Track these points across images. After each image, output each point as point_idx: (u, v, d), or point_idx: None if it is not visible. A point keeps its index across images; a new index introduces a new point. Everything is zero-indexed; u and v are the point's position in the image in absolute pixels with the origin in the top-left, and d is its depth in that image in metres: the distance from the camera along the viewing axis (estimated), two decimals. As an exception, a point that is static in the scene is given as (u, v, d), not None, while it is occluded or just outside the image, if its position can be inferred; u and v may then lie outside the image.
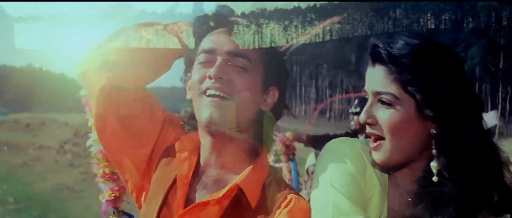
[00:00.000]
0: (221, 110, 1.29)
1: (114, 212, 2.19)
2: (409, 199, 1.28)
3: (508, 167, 1.27)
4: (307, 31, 1.47)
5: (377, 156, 1.26)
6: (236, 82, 1.30)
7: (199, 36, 1.36)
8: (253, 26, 1.37)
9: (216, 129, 1.31)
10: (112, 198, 2.22)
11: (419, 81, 1.20)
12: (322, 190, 1.24)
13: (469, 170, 1.21)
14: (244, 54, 1.32)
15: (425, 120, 1.22)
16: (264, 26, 1.39)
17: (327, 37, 1.50)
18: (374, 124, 1.25)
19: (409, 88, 1.20)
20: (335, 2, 1.57)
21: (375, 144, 1.26)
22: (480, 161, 1.22)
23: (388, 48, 1.23)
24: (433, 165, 1.23)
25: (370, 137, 1.29)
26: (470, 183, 1.21)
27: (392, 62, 1.22)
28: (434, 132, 1.23)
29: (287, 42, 1.38)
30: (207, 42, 1.33)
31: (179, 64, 1.49)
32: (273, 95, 1.38)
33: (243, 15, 1.48)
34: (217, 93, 1.28)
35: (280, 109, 1.40)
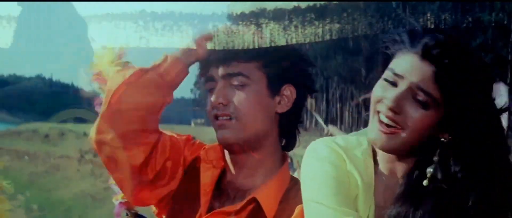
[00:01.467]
0: (230, 129, 1.34)
1: (127, 214, 2.16)
2: (394, 195, 1.25)
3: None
4: (306, 31, 1.44)
5: (389, 141, 1.21)
6: (236, 102, 1.33)
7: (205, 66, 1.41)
8: (252, 26, 1.35)
9: (231, 147, 1.37)
10: (125, 200, 2.17)
11: (456, 89, 1.16)
12: (309, 201, 1.24)
13: (467, 184, 1.18)
14: (238, 72, 1.34)
15: (442, 129, 1.19)
16: (263, 26, 1.37)
17: (327, 37, 1.47)
18: (398, 113, 1.18)
19: (447, 93, 1.16)
20: (335, 2, 1.54)
21: (391, 132, 1.20)
22: (492, 174, 1.17)
23: (444, 50, 1.16)
24: (429, 170, 1.20)
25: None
26: (465, 196, 1.17)
27: (442, 65, 1.16)
28: (445, 140, 1.20)
29: (286, 42, 1.35)
30: (208, 71, 1.38)
31: (189, 75, 1.49)
32: (289, 93, 1.38)
33: (242, 15, 1.46)
34: (222, 117, 1.34)
35: (305, 99, 1.43)
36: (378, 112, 1.22)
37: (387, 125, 1.20)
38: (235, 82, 1.34)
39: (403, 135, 1.19)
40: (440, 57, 1.15)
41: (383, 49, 1.26)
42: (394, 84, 1.19)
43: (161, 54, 1.42)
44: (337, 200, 1.20)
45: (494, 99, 1.22)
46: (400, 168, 1.27)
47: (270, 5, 1.46)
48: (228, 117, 1.34)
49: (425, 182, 1.20)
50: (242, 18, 1.42)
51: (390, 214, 1.23)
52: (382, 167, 1.29)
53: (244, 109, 1.33)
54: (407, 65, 1.19)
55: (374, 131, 1.23)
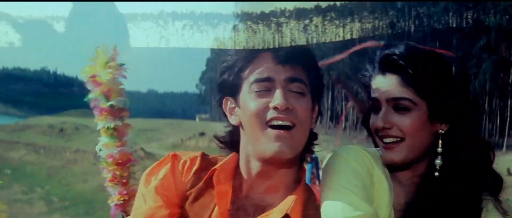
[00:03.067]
0: (288, 142, 1.20)
1: (122, 216, 2.12)
2: (411, 191, 1.31)
3: (494, 157, 1.34)
4: (327, 30, 1.39)
5: (395, 155, 1.28)
6: (298, 109, 1.20)
7: (246, 61, 1.24)
8: (273, 25, 1.31)
9: (283, 160, 1.23)
10: (121, 202, 2.08)
11: (431, 88, 1.24)
12: (330, 190, 1.24)
13: (469, 163, 1.27)
14: (300, 78, 1.22)
15: (436, 121, 1.26)
16: (284, 25, 1.35)
17: (348, 36, 1.44)
18: (390, 128, 1.27)
19: (422, 93, 1.24)
20: (355, 1, 1.49)
21: (393, 145, 1.28)
22: (478, 155, 1.28)
23: (402, 57, 1.25)
24: (437, 162, 1.27)
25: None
26: (470, 174, 1.27)
27: (406, 70, 1.24)
28: (442, 131, 1.27)
29: (307, 41, 1.31)
30: (259, 71, 1.21)
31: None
32: (316, 112, 1.30)
33: (262, 14, 1.41)
34: (285, 123, 1.19)
35: (316, 121, 1.32)
36: (380, 138, 1.30)
37: (390, 142, 1.27)
38: (296, 89, 1.22)
39: (406, 142, 1.26)
40: (396, 64, 1.25)
41: (363, 87, 1.34)
42: (378, 108, 1.27)
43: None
44: (359, 194, 1.21)
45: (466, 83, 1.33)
46: (414, 169, 1.31)
47: (290, 5, 1.40)
48: (289, 126, 1.20)
49: (436, 174, 1.27)
50: (262, 17, 1.36)
51: (408, 209, 1.29)
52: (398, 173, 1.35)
53: (303, 118, 1.22)
54: (377, 87, 1.28)
55: (384, 153, 1.30)
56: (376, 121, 1.27)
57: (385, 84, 1.27)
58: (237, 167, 1.30)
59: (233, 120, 1.27)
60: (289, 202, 1.24)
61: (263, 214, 1.24)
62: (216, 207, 1.26)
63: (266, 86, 1.20)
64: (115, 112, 1.97)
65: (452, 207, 1.26)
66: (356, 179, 1.24)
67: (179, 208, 1.28)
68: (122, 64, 1.91)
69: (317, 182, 5.24)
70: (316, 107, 1.28)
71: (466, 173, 1.27)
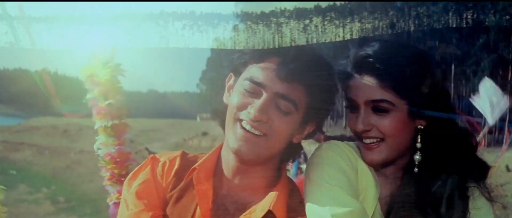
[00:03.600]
0: (250, 145, 1.17)
1: None
2: (395, 185, 1.30)
3: (476, 143, 1.33)
4: (327, 30, 1.37)
5: (375, 155, 1.26)
6: (275, 123, 1.18)
7: (251, 58, 1.21)
8: (273, 25, 1.33)
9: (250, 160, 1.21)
10: (119, 200, 2.11)
11: (408, 86, 1.21)
12: (316, 186, 1.22)
13: (448, 156, 1.26)
14: (292, 99, 1.18)
15: (415, 118, 1.24)
16: (284, 25, 1.33)
17: (348, 36, 1.43)
18: (370, 130, 1.24)
19: (400, 93, 1.20)
20: (355, 1, 1.47)
21: (374, 145, 1.25)
22: (457, 145, 1.28)
23: (378, 59, 1.21)
24: (416, 157, 1.26)
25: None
26: (450, 165, 1.27)
27: (384, 71, 1.21)
28: (421, 127, 1.25)
29: (307, 41, 1.34)
30: (258, 72, 1.19)
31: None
32: (308, 130, 1.26)
33: (262, 14, 1.39)
34: (252, 130, 1.17)
35: (311, 136, 1.29)
36: (360, 139, 1.28)
37: (370, 143, 1.25)
38: (282, 106, 1.19)
39: (386, 142, 1.24)
40: (372, 65, 1.20)
41: (340, 84, 1.28)
42: (355, 109, 1.24)
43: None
44: (346, 190, 1.20)
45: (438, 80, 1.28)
46: (397, 163, 1.29)
47: (290, 5, 1.38)
48: (256, 134, 1.18)
49: (415, 169, 1.26)
50: (262, 17, 1.34)
51: (392, 202, 1.27)
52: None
53: (276, 133, 1.21)
54: (354, 88, 1.24)
55: (364, 153, 1.27)
56: (355, 123, 1.24)
57: (362, 85, 1.23)
58: (217, 165, 1.28)
59: (225, 98, 1.25)
60: (271, 198, 1.22)
61: (246, 212, 1.21)
62: (198, 207, 1.23)
63: (255, 90, 1.17)
64: (113, 111, 1.98)
65: (435, 198, 1.26)
66: (341, 174, 1.23)
67: (161, 211, 1.25)
68: (119, 64, 1.91)
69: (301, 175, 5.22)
70: (309, 127, 1.25)
71: (446, 165, 1.27)
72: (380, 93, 1.21)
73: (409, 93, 1.21)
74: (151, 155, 1.36)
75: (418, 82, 1.22)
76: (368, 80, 1.22)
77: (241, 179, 1.24)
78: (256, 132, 1.16)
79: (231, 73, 1.26)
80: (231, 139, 1.18)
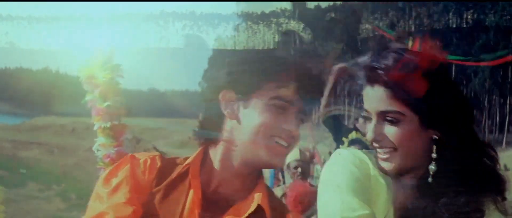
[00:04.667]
0: (282, 158, 1.27)
1: None
2: (411, 194, 1.27)
3: (497, 159, 1.28)
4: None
5: (388, 165, 1.25)
6: (296, 133, 1.29)
7: (270, 73, 1.26)
8: (273, 25, 1.30)
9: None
10: None
11: (421, 98, 1.19)
12: (329, 191, 1.23)
13: (465, 168, 1.23)
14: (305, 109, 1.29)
15: (427, 128, 1.21)
16: (284, 25, 1.30)
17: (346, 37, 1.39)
18: (382, 140, 1.23)
19: (411, 105, 1.19)
20: (355, 1, 1.45)
21: (386, 155, 1.24)
22: (473, 158, 1.24)
23: (389, 71, 1.20)
24: (431, 168, 1.23)
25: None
26: (466, 177, 1.22)
27: (392, 82, 1.20)
28: (436, 137, 1.22)
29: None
30: (285, 92, 1.25)
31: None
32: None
33: (262, 14, 1.35)
34: (285, 144, 1.26)
35: None
36: (375, 148, 1.27)
37: (383, 152, 1.24)
38: (300, 117, 1.31)
39: (398, 152, 1.22)
40: (383, 77, 1.20)
41: (354, 85, 1.30)
42: (369, 119, 1.24)
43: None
44: (358, 195, 1.20)
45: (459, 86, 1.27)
46: (414, 171, 1.26)
47: (291, 5, 1.35)
48: (286, 146, 1.28)
49: (429, 179, 1.22)
50: (262, 17, 1.31)
51: (406, 210, 1.24)
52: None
53: (296, 141, 1.31)
54: (367, 98, 1.24)
55: (378, 162, 1.26)
56: (368, 132, 1.25)
57: (373, 96, 1.23)
58: (202, 164, 1.30)
59: (230, 113, 1.27)
60: (258, 197, 1.27)
61: (235, 206, 1.25)
62: (188, 202, 1.25)
63: (284, 106, 1.24)
64: (112, 112, 1.97)
65: (449, 211, 1.22)
66: (355, 182, 1.23)
67: (141, 207, 1.25)
68: (118, 65, 1.91)
69: (281, 179, 5.15)
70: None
71: (463, 177, 1.22)
72: (390, 104, 1.20)
73: (419, 105, 1.19)
74: (130, 154, 1.37)
75: (430, 94, 1.19)
76: (379, 90, 1.22)
77: (233, 178, 1.29)
78: (286, 145, 1.26)
79: (229, 90, 1.27)
80: (264, 154, 1.24)
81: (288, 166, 4.70)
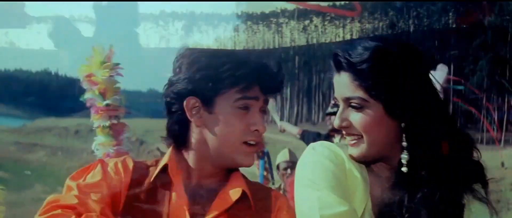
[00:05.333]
0: (253, 156, 1.32)
1: None
2: (387, 186, 1.27)
3: (474, 146, 1.28)
4: (327, 31, 1.35)
5: (355, 151, 1.26)
6: (263, 129, 1.32)
7: (232, 76, 1.27)
8: (273, 25, 1.31)
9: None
10: None
11: (380, 85, 1.18)
12: (305, 188, 1.22)
13: (438, 156, 1.21)
14: (268, 99, 1.33)
15: (393, 116, 1.21)
16: (284, 25, 1.31)
17: (348, 36, 1.40)
18: (348, 126, 1.24)
19: (372, 92, 1.19)
20: (355, 1, 1.45)
21: (353, 142, 1.25)
22: (449, 145, 1.23)
23: (347, 57, 1.21)
24: (404, 156, 1.23)
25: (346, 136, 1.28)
26: (441, 168, 1.21)
27: (353, 69, 1.21)
28: (404, 125, 1.22)
29: (307, 41, 1.33)
30: (249, 91, 1.27)
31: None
32: None
33: (262, 14, 1.36)
34: (254, 143, 1.29)
35: None
36: (344, 136, 1.29)
37: (351, 140, 1.25)
38: (264, 109, 1.36)
39: (364, 139, 1.23)
40: (346, 63, 1.20)
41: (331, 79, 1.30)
42: (338, 106, 1.26)
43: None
44: (335, 191, 1.19)
45: (425, 74, 1.25)
46: (388, 162, 1.28)
47: (291, 5, 1.36)
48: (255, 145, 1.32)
49: (404, 169, 1.22)
50: (262, 17, 1.31)
51: (383, 203, 1.25)
52: (374, 165, 1.31)
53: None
54: (336, 85, 1.26)
55: (348, 148, 1.28)
56: (335, 119, 1.26)
57: (339, 83, 1.24)
58: (178, 163, 1.31)
59: (196, 120, 1.28)
60: (240, 181, 1.30)
61: (220, 194, 1.27)
62: (173, 199, 1.26)
63: (248, 105, 1.25)
64: (111, 111, 1.97)
65: (427, 201, 1.21)
66: (330, 175, 1.21)
67: (110, 208, 1.23)
68: (117, 64, 1.91)
69: (270, 179, 5.14)
70: None
71: (437, 169, 1.22)
72: (352, 90, 1.20)
73: (380, 93, 1.18)
74: (99, 158, 1.38)
75: (394, 82, 1.18)
76: (343, 77, 1.22)
77: (212, 172, 1.32)
78: (254, 143, 1.30)
79: (192, 97, 1.28)
80: (239, 158, 1.27)
81: (278, 167, 4.67)
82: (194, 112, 1.28)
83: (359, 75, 1.19)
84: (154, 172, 1.30)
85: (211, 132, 1.26)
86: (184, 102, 1.28)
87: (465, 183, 1.25)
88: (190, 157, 1.32)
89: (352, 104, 1.22)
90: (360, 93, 1.20)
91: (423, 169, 1.21)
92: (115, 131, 2.00)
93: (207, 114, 1.27)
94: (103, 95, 1.95)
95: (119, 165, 1.30)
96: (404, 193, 1.22)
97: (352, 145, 1.26)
